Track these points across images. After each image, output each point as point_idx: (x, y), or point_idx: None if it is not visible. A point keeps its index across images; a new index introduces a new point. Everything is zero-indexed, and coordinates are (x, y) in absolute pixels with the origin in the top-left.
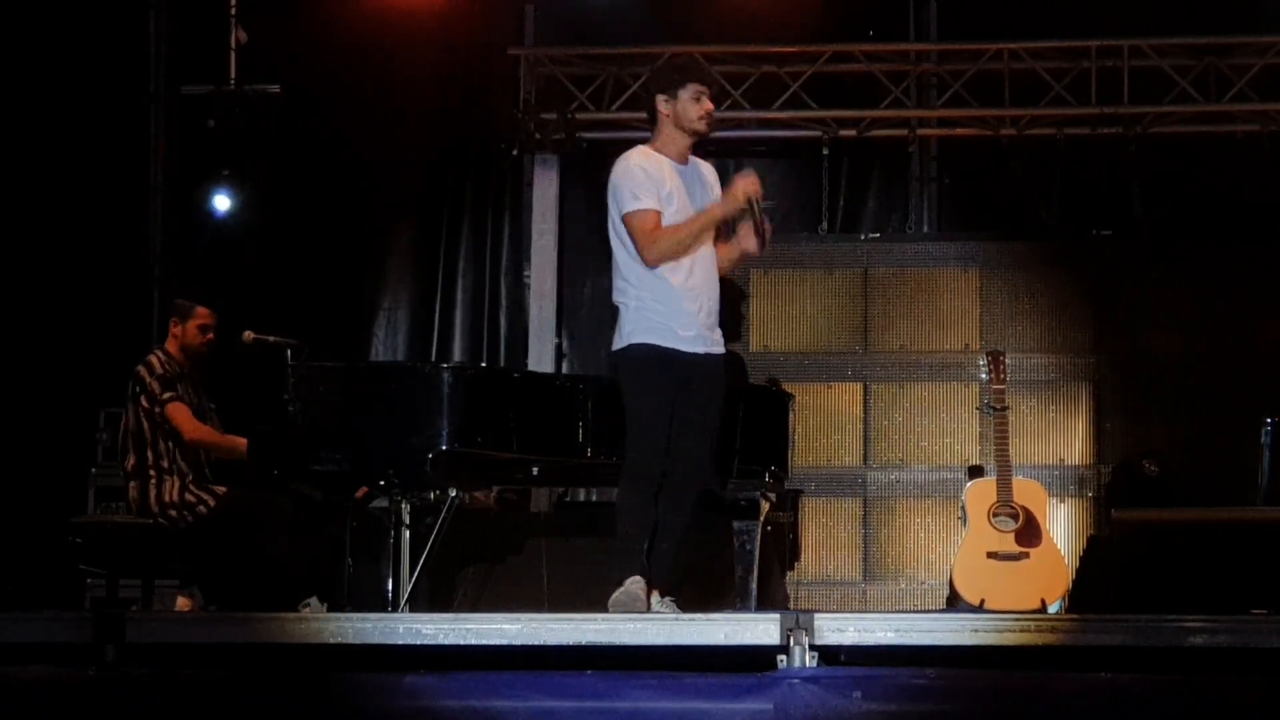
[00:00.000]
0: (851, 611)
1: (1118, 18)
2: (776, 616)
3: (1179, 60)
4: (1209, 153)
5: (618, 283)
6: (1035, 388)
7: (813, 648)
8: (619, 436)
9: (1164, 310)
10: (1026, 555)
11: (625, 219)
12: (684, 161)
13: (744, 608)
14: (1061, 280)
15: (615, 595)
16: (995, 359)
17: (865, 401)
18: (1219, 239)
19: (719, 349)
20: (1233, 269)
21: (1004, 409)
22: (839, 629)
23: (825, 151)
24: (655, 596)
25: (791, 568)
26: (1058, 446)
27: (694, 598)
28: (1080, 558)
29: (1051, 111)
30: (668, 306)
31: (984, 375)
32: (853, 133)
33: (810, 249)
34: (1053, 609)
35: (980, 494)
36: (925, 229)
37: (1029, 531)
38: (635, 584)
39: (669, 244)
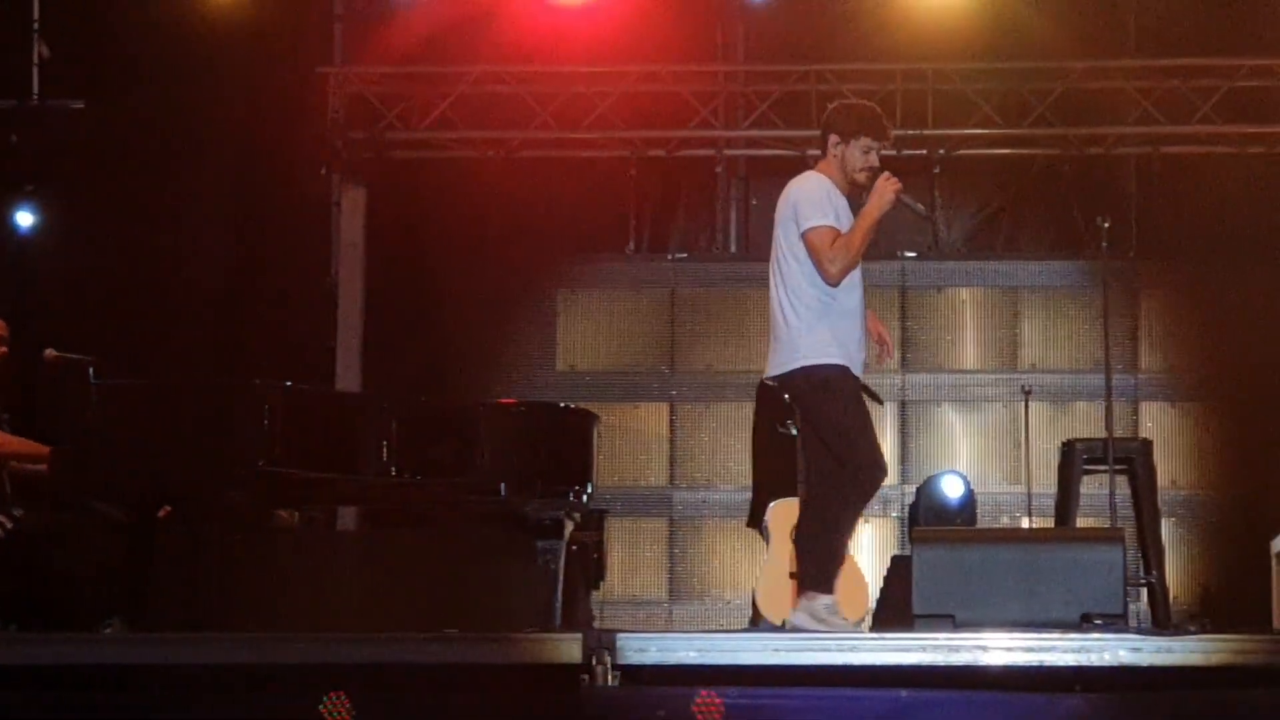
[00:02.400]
0: (655, 631)
1: (923, 42)
2: (579, 636)
3: (981, 85)
4: (1009, 173)
5: (790, 300)
6: None
7: (615, 667)
8: (424, 457)
9: None
10: None
11: (806, 235)
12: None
13: (548, 627)
14: (869, 301)
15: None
16: None
17: (671, 421)
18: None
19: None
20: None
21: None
22: (641, 649)
23: (633, 172)
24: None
25: (596, 587)
26: None
27: (498, 617)
28: (884, 576)
29: None
30: (839, 327)
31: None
32: (661, 153)
33: (617, 269)
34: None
35: (783, 514)
36: (733, 249)
37: None
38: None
39: (847, 255)
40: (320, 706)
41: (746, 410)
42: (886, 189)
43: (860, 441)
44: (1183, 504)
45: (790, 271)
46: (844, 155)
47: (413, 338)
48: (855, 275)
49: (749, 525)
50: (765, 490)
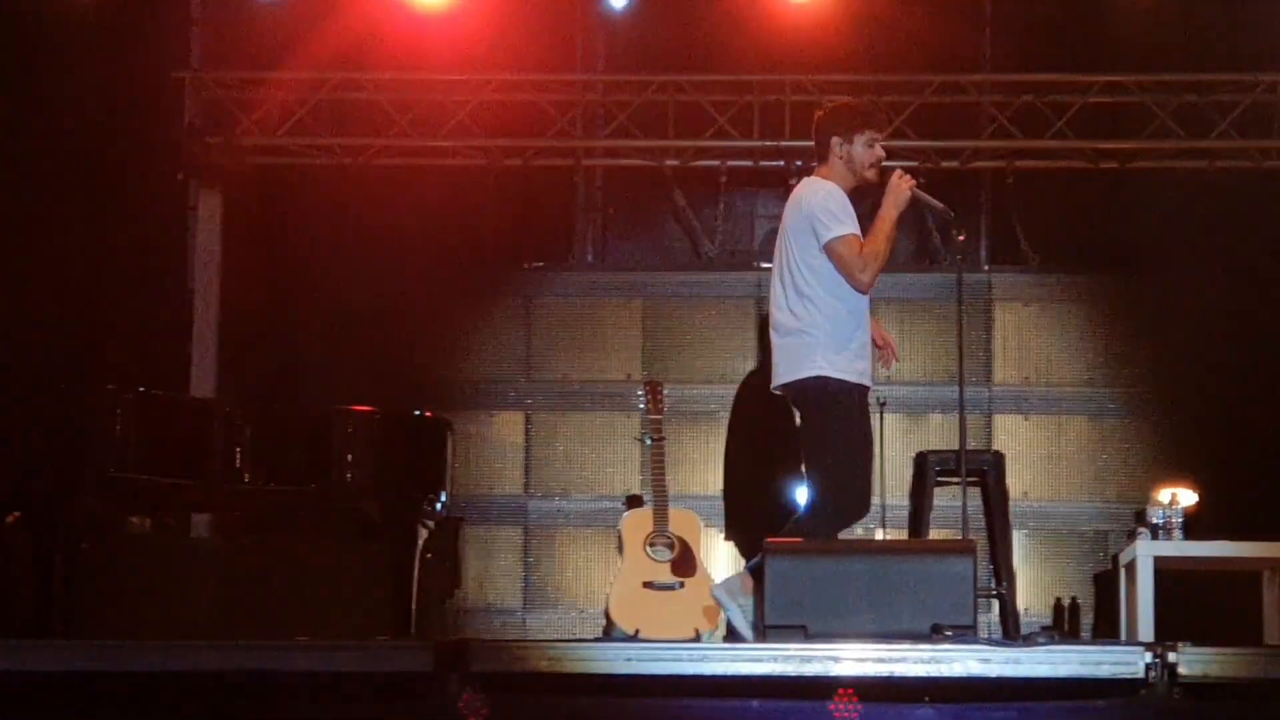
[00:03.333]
0: (509, 640)
1: (781, 54)
2: (431, 644)
3: (840, 96)
4: (865, 186)
5: (806, 308)
6: (697, 418)
7: (468, 676)
8: (277, 464)
9: None
10: (682, 585)
11: (831, 246)
12: None
13: (401, 635)
14: (722, 311)
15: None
16: (653, 389)
17: (527, 430)
18: None
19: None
20: (892, 296)
21: (661, 439)
22: (493, 657)
23: (491, 180)
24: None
25: (451, 595)
26: (718, 477)
27: (352, 625)
28: None
29: (715, 144)
30: (852, 336)
31: (642, 405)
32: (518, 162)
33: (474, 278)
34: (707, 638)
35: (637, 524)
36: (590, 259)
37: (684, 561)
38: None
39: (876, 261)
40: None
41: (602, 420)
42: (901, 186)
43: (852, 466)
44: (1034, 516)
45: (804, 281)
46: (850, 154)
47: (269, 345)
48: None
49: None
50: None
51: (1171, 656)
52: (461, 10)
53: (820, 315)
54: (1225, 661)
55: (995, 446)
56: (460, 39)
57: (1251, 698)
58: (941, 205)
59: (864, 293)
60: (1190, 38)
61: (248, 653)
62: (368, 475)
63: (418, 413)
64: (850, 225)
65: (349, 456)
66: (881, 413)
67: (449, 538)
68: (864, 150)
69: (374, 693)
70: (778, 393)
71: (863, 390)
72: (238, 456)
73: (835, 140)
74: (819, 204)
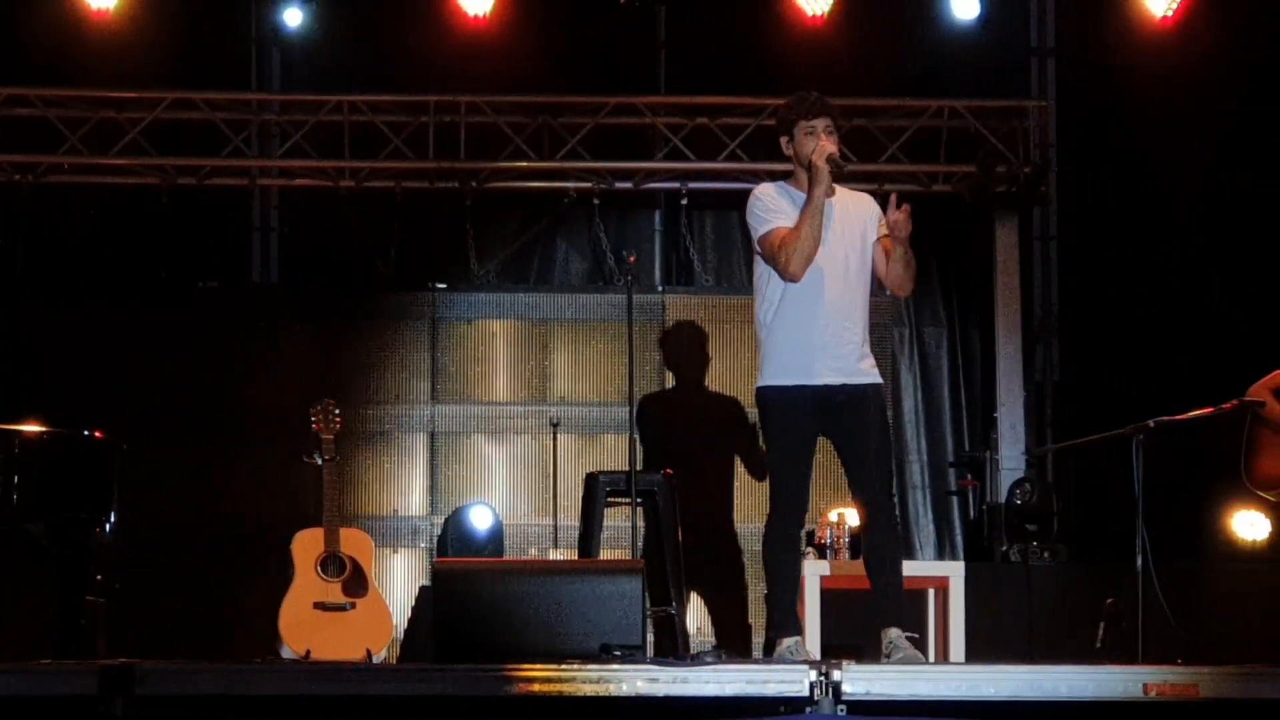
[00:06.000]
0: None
1: (458, 74)
2: (95, 667)
3: (514, 118)
4: (545, 206)
5: (758, 315)
6: (371, 439)
7: (134, 700)
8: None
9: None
10: (353, 605)
11: (760, 243)
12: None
13: (64, 657)
14: (400, 332)
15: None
16: (323, 409)
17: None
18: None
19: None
20: (567, 317)
21: (331, 459)
22: (162, 680)
23: (164, 199)
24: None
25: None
26: (392, 497)
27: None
28: (412, 608)
29: (390, 164)
30: (795, 338)
31: (312, 425)
32: (192, 180)
33: (140, 297)
34: (377, 659)
35: (308, 543)
36: (273, 278)
37: (356, 582)
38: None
39: (796, 245)
40: None
41: (281, 445)
42: (818, 162)
43: (779, 475)
44: (705, 536)
45: (755, 288)
46: (795, 151)
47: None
48: (813, 282)
49: None
50: None
51: (836, 675)
52: (135, 24)
53: (760, 324)
54: (888, 679)
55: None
56: (133, 55)
57: (907, 714)
58: (844, 162)
59: (795, 282)
60: (859, 63)
61: None
62: (34, 496)
63: (86, 433)
64: (775, 220)
65: (14, 478)
66: (555, 433)
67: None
68: (802, 139)
69: (39, 718)
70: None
71: (792, 401)
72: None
73: (783, 141)
74: (749, 208)
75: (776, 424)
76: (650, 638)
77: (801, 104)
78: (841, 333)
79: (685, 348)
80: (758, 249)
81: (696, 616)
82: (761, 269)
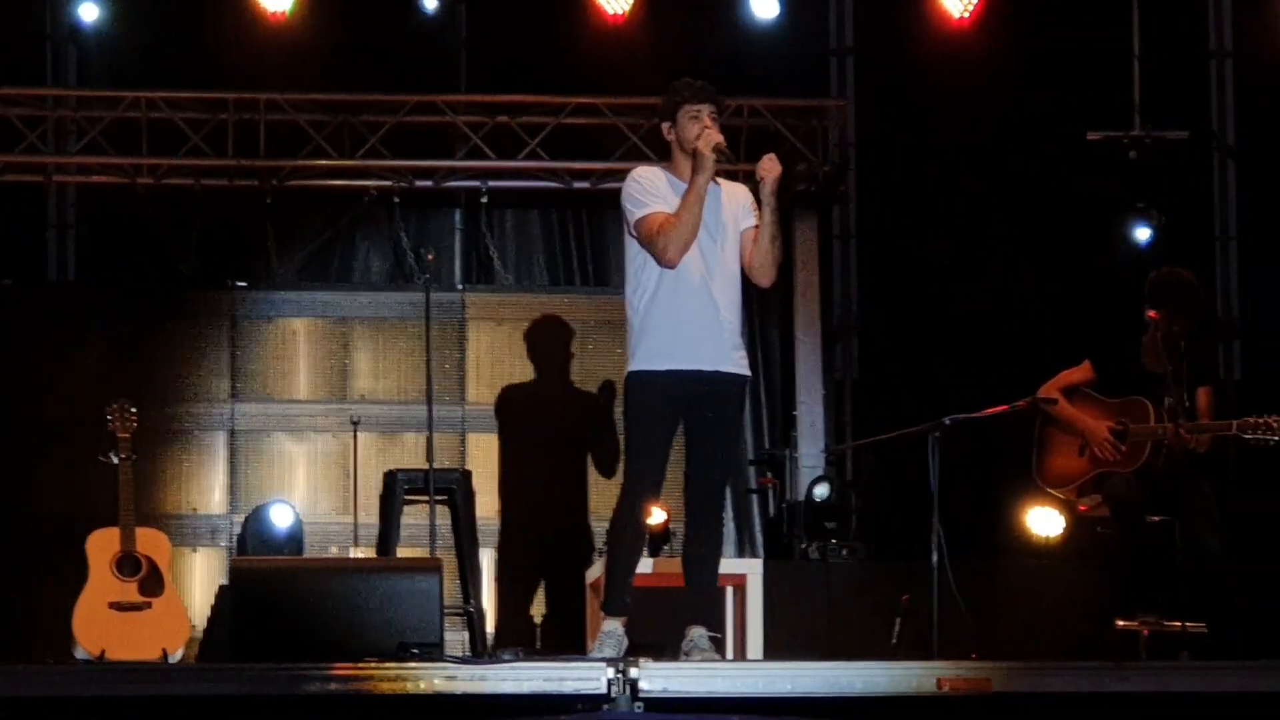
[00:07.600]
0: None
1: (258, 72)
2: None
3: (314, 116)
4: (345, 205)
5: (629, 300)
6: (172, 437)
7: None
8: None
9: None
10: (149, 605)
11: (636, 226)
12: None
13: None
14: (200, 330)
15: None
16: (119, 408)
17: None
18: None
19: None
20: (367, 315)
21: (128, 458)
22: None
23: None
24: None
25: None
26: (192, 495)
27: None
28: (212, 607)
29: (189, 162)
30: (666, 325)
31: (108, 424)
32: None
33: None
34: (174, 659)
35: (102, 543)
36: (71, 276)
37: (152, 581)
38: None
39: (675, 231)
40: None
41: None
42: (705, 150)
43: (636, 458)
44: (506, 534)
45: (627, 272)
46: (678, 136)
47: None
48: (690, 268)
49: None
50: None
51: (633, 672)
52: None
53: (630, 309)
54: (685, 676)
55: (469, 465)
56: None
57: (705, 711)
58: (729, 153)
59: (672, 268)
60: (660, 62)
61: None
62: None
63: None
64: (653, 203)
65: None
66: (355, 432)
67: None
68: (686, 124)
69: None
70: None
71: (657, 386)
72: None
73: (665, 127)
74: (625, 191)
75: (642, 406)
76: (464, 636)
77: (687, 89)
78: (717, 318)
79: (550, 341)
80: (632, 232)
81: (496, 614)
82: (635, 252)
